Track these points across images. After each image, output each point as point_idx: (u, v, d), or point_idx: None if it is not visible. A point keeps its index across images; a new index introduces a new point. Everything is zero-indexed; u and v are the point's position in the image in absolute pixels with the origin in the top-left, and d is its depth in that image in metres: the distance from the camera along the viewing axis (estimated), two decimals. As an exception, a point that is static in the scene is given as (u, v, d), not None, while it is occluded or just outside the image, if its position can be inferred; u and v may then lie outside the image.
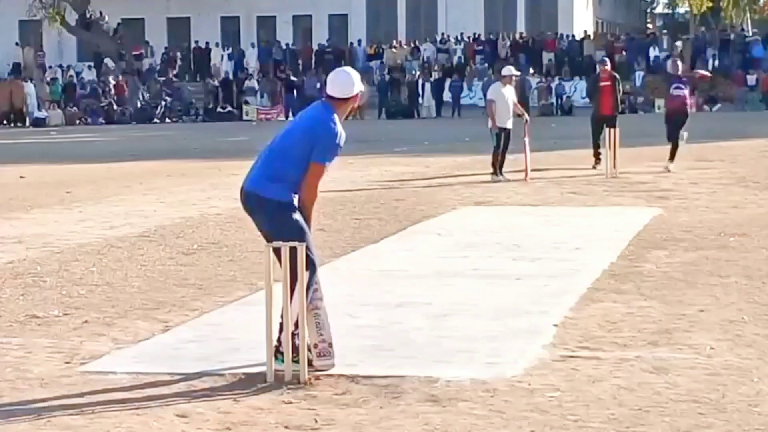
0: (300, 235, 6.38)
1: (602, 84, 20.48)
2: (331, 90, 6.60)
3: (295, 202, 6.50)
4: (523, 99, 44.25)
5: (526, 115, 18.75)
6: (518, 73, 19.57)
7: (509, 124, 18.40)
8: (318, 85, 46.36)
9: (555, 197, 15.59)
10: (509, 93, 18.49)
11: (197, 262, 10.75)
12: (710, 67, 46.18)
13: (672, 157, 19.02)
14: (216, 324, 7.89)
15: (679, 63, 21.44)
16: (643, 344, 7.05)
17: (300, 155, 6.47)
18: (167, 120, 46.79)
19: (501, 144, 18.28)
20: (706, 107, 43.57)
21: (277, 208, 6.45)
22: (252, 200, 6.55)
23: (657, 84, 45.48)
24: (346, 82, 6.60)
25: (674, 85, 19.37)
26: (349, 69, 6.86)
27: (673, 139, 19.11)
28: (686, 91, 19.57)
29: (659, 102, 43.99)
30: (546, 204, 15.00)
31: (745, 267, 9.74)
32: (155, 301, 8.77)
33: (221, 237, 12.37)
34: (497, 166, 18.35)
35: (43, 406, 5.89)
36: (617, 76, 21.11)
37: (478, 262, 10.33)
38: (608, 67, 20.98)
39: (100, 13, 53.30)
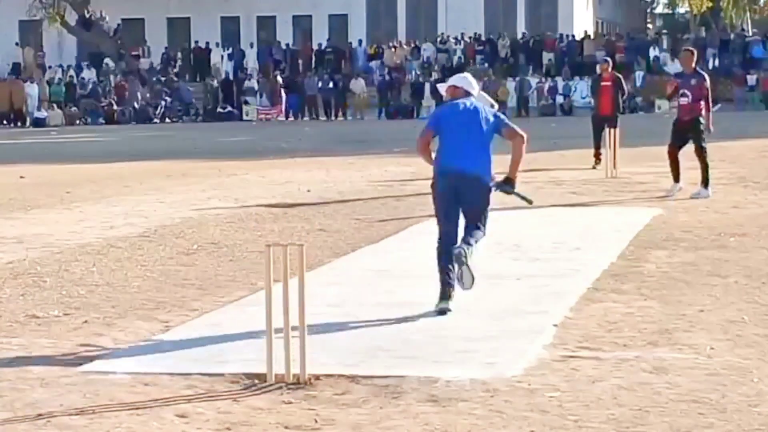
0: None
1: (603, 84, 20.47)
2: (469, 87, 8.67)
3: None
4: (523, 100, 44.69)
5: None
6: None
7: None
8: (320, 85, 46.43)
9: (555, 197, 15.58)
10: (483, 100, 17.51)
11: (197, 262, 10.75)
12: (710, 66, 46.22)
13: (702, 180, 15.36)
14: (216, 324, 7.89)
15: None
16: (643, 344, 7.05)
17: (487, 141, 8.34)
18: (167, 120, 46.78)
19: None
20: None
21: (488, 188, 8.30)
22: (471, 181, 8.20)
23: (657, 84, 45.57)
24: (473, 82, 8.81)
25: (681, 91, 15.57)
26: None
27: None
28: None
29: (659, 102, 44.08)
30: (546, 204, 15.00)
31: (745, 267, 9.74)
32: (155, 301, 8.77)
33: (221, 237, 12.37)
34: None
35: (43, 406, 5.89)
36: (620, 77, 21.06)
37: (478, 262, 10.32)
38: (610, 67, 20.93)
39: (101, 13, 53.31)
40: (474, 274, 8.04)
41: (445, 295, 8.13)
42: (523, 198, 8.89)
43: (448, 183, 8.21)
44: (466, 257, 8.01)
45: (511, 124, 8.48)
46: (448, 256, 8.13)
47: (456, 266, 8.04)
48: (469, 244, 8.13)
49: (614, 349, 6.93)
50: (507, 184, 8.45)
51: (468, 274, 8.04)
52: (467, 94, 8.61)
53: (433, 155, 8.45)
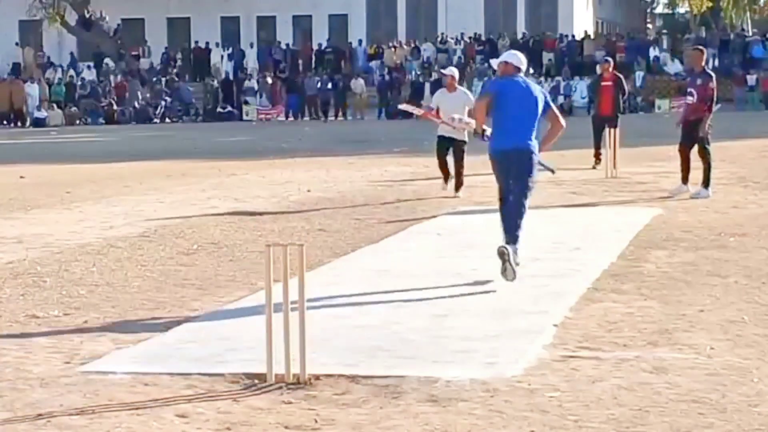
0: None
1: (604, 84, 20.44)
2: (519, 63, 9.47)
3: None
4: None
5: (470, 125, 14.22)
6: (454, 72, 16.09)
7: (457, 134, 15.50)
8: (319, 85, 46.42)
9: (555, 197, 15.57)
10: (457, 101, 15.39)
11: (197, 262, 10.75)
12: (710, 66, 46.24)
13: (703, 180, 15.33)
14: (216, 324, 7.89)
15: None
16: (643, 344, 7.05)
17: (537, 117, 9.37)
18: (167, 120, 46.79)
19: (442, 153, 15.89)
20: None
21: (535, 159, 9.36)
22: (523, 154, 9.29)
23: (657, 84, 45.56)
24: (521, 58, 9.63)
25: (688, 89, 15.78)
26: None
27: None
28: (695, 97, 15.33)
29: (659, 102, 44.08)
30: (546, 204, 15.00)
31: (745, 267, 9.74)
32: (155, 301, 8.77)
33: (221, 237, 12.37)
34: (445, 176, 16.16)
35: (43, 406, 5.89)
36: (621, 77, 21.02)
37: (478, 262, 10.33)
38: (611, 67, 20.88)
39: (101, 13, 53.34)
40: (516, 270, 8.99)
41: (506, 268, 9.03)
42: (547, 167, 9.82)
43: (505, 158, 9.38)
44: (509, 255, 8.98)
45: (556, 110, 9.63)
46: (507, 206, 9.37)
47: (501, 262, 8.99)
48: (513, 242, 9.13)
49: (614, 349, 6.93)
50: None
51: (510, 270, 8.99)
52: (517, 69, 9.47)
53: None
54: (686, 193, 15.28)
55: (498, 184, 9.54)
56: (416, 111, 17.38)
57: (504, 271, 8.99)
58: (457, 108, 15.18)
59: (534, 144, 9.35)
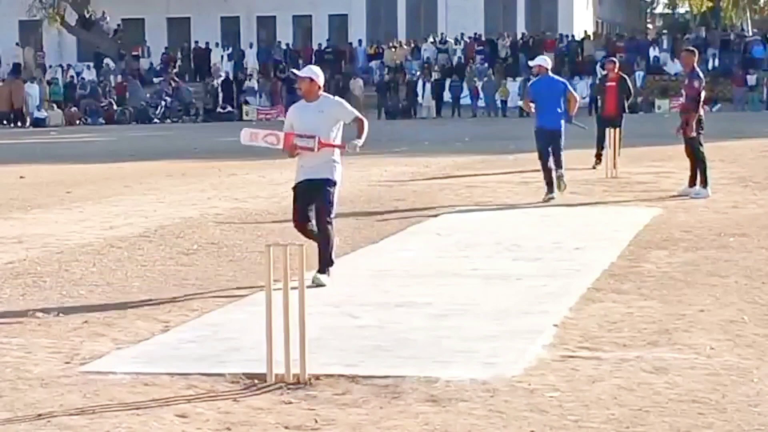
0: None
1: (608, 84, 20.39)
2: (548, 65, 15.76)
3: None
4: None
5: (357, 142, 9.56)
6: (313, 74, 9.58)
7: (326, 170, 9.67)
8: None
9: (555, 197, 15.58)
10: (324, 114, 9.56)
11: (197, 262, 10.75)
12: (710, 66, 46.25)
13: (700, 180, 15.49)
14: (216, 324, 7.89)
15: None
16: (643, 344, 7.05)
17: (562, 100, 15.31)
18: (167, 120, 46.78)
19: (304, 216, 9.76)
20: (705, 107, 43.46)
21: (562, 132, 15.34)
22: (556, 132, 15.01)
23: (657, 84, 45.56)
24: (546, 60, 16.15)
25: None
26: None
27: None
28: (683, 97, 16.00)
29: (659, 102, 44.07)
30: (546, 204, 14.99)
31: (745, 267, 9.74)
32: (155, 301, 8.77)
33: (221, 237, 12.38)
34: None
35: (43, 406, 5.89)
36: (626, 77, 20.98)
37: (478, 262, 10.34)
38: (616, 67, 20.84)
39: (101, 13, 53.33)
40: (566, 183, 15.40)
41: (551, 189, 14.98)
42: (580, 126, 15.82)
43: (543, 134, 15.06)
44: (562, 176, 15.20)
45: (571, 90, 15.61)
46: (549, 169, 14.93)
47: (558, 182, 15.09)
48: (561, 167, 15.16)
49: (614, 349, 6.93)
50: (567, 118, 15.41)
51: (563, 184, 15.25)
52: (547, 70, 15.49)
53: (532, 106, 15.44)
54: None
55: (539, 151, 15.00)
56: (270, 140, 10.34)
57: (559, 186, 15.05)
58: (324, 124, 9.59)
59: (561, 123, 14.99)
